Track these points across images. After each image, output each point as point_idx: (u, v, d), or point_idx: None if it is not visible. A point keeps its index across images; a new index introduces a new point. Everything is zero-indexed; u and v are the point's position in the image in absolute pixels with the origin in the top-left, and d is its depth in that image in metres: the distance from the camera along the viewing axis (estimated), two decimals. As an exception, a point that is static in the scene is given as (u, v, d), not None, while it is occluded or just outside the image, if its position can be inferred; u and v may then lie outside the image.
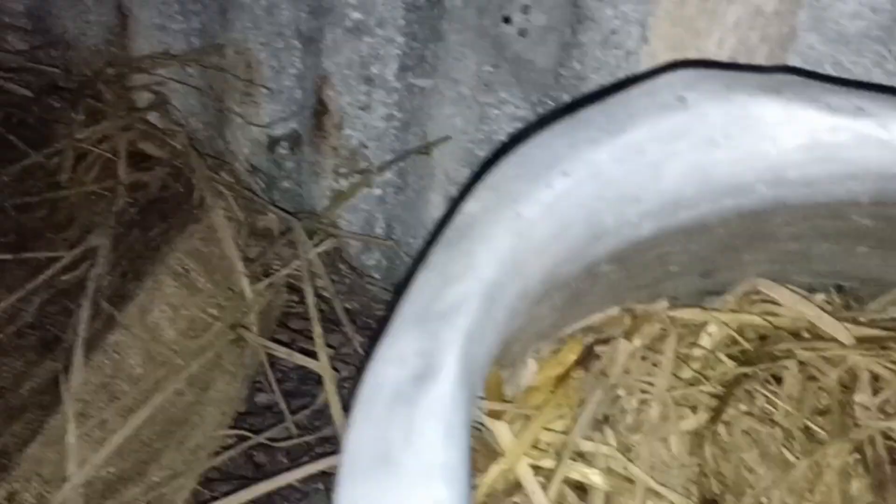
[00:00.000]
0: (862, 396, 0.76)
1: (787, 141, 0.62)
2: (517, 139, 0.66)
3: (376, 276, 1.17)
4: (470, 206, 0.58)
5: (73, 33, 1.28)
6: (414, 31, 1.03)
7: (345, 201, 1.14)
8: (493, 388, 0.78)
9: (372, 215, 1.15)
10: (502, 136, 1.02)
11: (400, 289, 1.10)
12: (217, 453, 0.99)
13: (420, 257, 0.60)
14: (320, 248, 1.13)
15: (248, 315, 1.05)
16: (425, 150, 1.06)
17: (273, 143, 1.19)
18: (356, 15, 1.05)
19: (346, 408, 0.97)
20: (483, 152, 1.04)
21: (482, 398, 0.78)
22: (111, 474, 0.93)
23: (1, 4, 1.35)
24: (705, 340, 0.81)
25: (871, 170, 0.63)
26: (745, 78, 0.64)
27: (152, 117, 1.24)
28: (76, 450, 0.92)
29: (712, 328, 0.81)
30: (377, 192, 1.14)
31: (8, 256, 1.13)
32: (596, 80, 0.92)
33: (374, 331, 1.11)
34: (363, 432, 0.48)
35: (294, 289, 1.12)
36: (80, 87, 1.27)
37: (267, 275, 1.10)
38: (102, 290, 1.06)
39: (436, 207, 1.09)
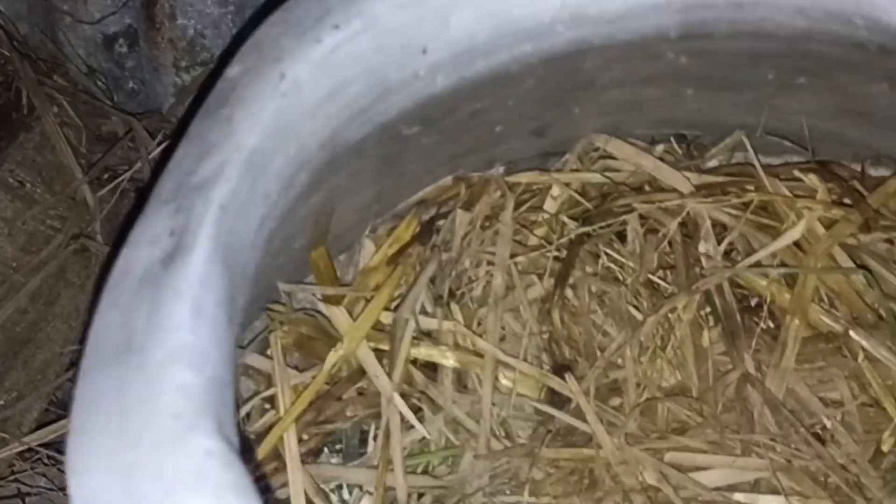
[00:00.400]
0: (704, 245, 0.75)
1: (579, -27, 0.58)
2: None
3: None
4: (232, 69, 0.53)
5: None
6: None
7: (190, 96, 1.08)
8: (324, 273, 0.75)
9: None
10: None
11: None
12: (67, 370, 0.95)
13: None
14: (162, 147, 1.07)
15: (92, 223, 1.00)
16: (260, 33, 1.00)
17: (109, 41, 1.13)
18: None
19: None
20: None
21: (313, 283, 0.75)
22: (-48, 399, 0.90)
23: None
24: (548, 204, 0.79)
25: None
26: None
27: None
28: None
29: (555, 191, 0.78)
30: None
31: None
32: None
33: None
34: (107, 320, 0.45)
35: (143, 191, 1.07)
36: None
37: (112, 180, 1.05)
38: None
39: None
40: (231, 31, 1.04)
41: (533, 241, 0.77)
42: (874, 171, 0.77)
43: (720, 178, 0.76)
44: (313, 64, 0.53)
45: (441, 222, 0.78)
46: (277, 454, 0.69)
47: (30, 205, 1.01)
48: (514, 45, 0.60)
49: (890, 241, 0.74)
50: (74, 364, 0.96)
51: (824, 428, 0.73)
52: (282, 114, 0.51)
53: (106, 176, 1.05)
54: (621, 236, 0.76)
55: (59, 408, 0.93)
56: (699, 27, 0.60)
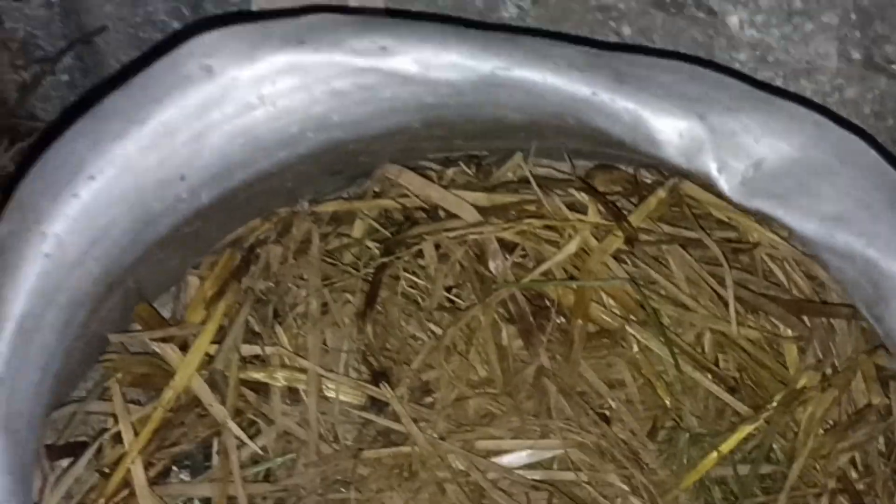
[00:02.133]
0: (493, 263, 0.83)
1: (319, 90, 0.64)
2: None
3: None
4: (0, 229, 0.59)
5: None
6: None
7: (33, 92, 1.12)
8: (149, 320, 0.83)
9: (66, 99, 1.13)
10: (162, 16, 1.00)
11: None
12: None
13: None
14: (21, 144, 1.12)
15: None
16: (87, 39, 1.03)
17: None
18: None
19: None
20: (147, 34, 1.02)
21: (139, 331, 0.83)
22: None
23: None
24: (353, 230, 0.86)
25: (409, 103, 0.65)
26: (271, 30, 0.63)
27: None
28: None
29: (357, 218, 0.86)
30: (65, 77, 1.11)
31: None
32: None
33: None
34: None
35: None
36: None
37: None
38: None
39: (120, 87, 1.08)
40: (64, 31, 1.07)
41: (342, 264, 0.85)
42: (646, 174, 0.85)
43: (506, 199, 0.83)
44: (73, 219, 0.59)
45: (259, 251, 0.86)
46: (127, 482, 0.80)
47: None
48: (270, 154, 0.66)
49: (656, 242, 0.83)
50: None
51: (611, 409, 0.84)
52: (48, 274, 0.57)
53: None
54: (422, 253, 0.84)
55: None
56: (438, 120, 0.66)
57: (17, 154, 1.11)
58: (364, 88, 0.64)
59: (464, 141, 0.75)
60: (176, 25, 1.00)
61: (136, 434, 0.80)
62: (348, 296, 0.85)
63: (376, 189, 0.85)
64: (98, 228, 0.61)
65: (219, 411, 0.81)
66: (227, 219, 0.74)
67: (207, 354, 0.82)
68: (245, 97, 0.63)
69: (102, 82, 1.04)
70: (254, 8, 0.85)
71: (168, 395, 0.81)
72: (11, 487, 0.53)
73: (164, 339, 0.82)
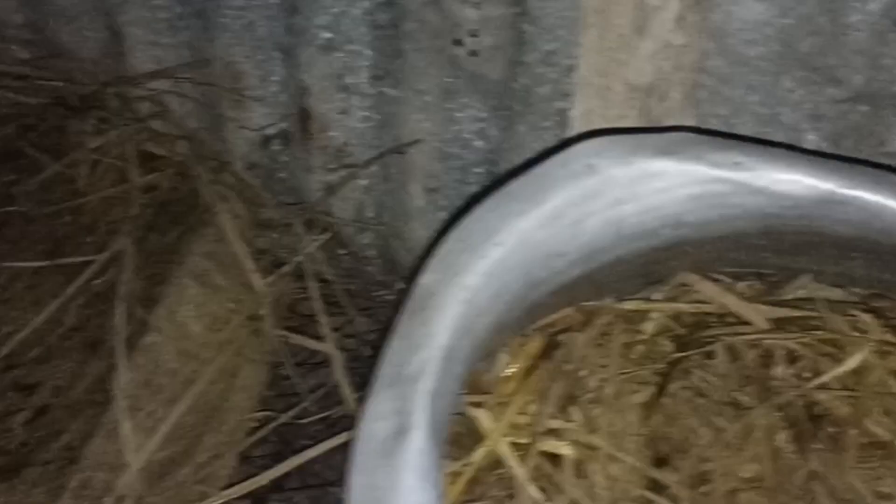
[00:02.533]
0: (777, 370, 0.93)
1: (680, 193, 0.77)
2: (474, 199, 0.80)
3: (370, 256, 1.33)
4: (425, 278, 0.73)
5: (70, 46, 1.40)
6: (380, 48, 1.16)
7: (336, 193, 1.29)
8: (472, 384, 0.95)
9: (361, 202, 1.30)
10: (468, 135, 1.16)
11: (393, 270, 1.26)
12: (250, 433, 1.17)
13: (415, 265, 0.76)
14: (319, 237, 1.28)
15: (262, 306, 1.21)
16: (400, 150, 1.20)
17: (266, 141, 1.33)
18: (326, 35, 1.17)
19: (359, 386, 1.14)
20: (453, 149, 1.18)
21: (465, 393, 0.95)
22: (164, 458, 1.11)
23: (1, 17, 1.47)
24: (648, 327, 0.98)
25: (752, 212, 0.77)
26: (644, 141, 0.77)
27: (155, 124, 1.37)
28: (132, 439, 1.10)
29: (653, 316, 0.97)
30: (364, 182, 1.28)
31: (45, 263, 1.29)
32: (540, 93, 1.05)
33: (374, 310, 1.27)
34: (359, 481, 0.65)
35: (301, 275, 1.27)
36: (86, 97, 1.40)
37: (276, 265, 1.26)
38: (133, 293, 1.22)
39: (416, 197, 1.23)
40: (374, 142, 1.24)
41: (634, 356, 0.96)
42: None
43: (793, 313, 0.93)
44: (483, 275, 0.72)
45: (561, 337, 0.97)
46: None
47: (213, 291, 1.22)
48: (629, 243, 0.79)
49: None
50: (257, 428, 1.17)
51: (877, 517, 0.91)
52: (464, 316, 0.71)
53: (271, 261, 1.26)
54: (710, 356, 0.95)
55: (249, 465, 1.14)
56: (771, 229, 0.78)
57: (311, 243, 1.27)
58: (716, 195, 0.77)
59: (775, 255, 0.86)
60: (479, 144, 1.16)
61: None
62: (637, 385, 0.96)
63: (672, 294, 0.96)
64: (500, 285, 0.74)
65: (520, 474, 0.91)
66: (561, 301, 0.86)
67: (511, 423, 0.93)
68: (619, 193, 0.77)
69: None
70: (572, 133, 1.00)
71: (480, 453, 0.92)
72: (440, 483, 0.65)
73: (478, 404, 0.93)
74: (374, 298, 1.29)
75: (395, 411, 0.67)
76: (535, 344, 0.97)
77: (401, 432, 0.66)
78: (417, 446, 0.65)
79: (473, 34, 1.06)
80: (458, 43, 1.07)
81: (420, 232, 1.26)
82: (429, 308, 0.71)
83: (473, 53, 1.07)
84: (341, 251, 1.32)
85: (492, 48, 1.06)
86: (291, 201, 1.33)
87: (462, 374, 0.72)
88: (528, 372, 0.96)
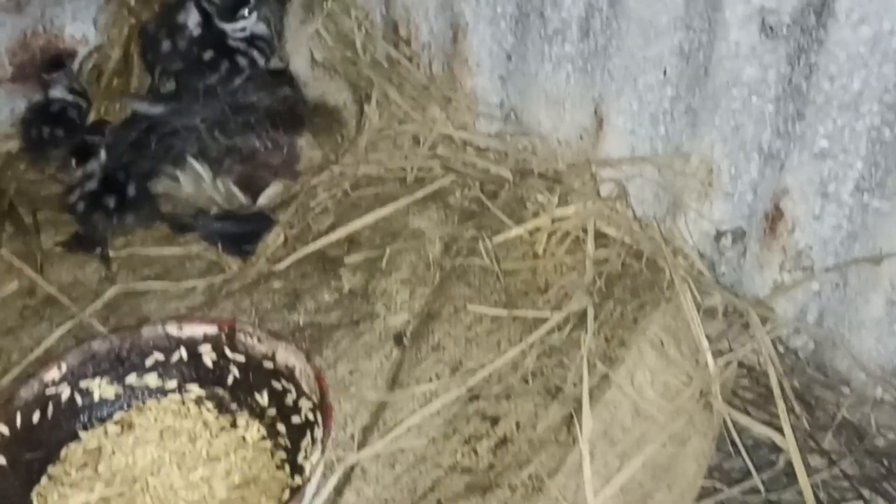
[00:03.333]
0: None
1: None
2: None
3: (802, 357, 1.38)
4: None
5: (547, 127, 1.56)
6: (874, 161, 1.23)
7: (786, 293, 1.36)
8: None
9: (806, 305, 1.36)
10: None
11: (825, 373, 1.31)
12: (697, 500, 1.23)
13: None
14: (764, 331, 1.34)
15: (712, 384, 1.29)
16: (876, 261, 1.25)
17: (719, 235, 1.43)
18: (824, 143, 1.26)
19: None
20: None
21: None
22: (618, 505, 1.20)
23: (479, 95, 1.66)
24: None
25: None
26: None
27: (613, 204, 1.50)
28: (593, 482, 1.19)
29: None
30: (815, 286, 1.35)
31: (504, 312, 1.42)
32: None
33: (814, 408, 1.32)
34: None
35: (741, 364, 1.34)
36: (553, 172, 1.55)
37: (720, 350, 1.34)
38: (593, 350, 1.33)
39: (876, 307, 1.28)
40: (838, 250, 1.30)
41: None
42: None
43: None
44: None
45: None
46: None
47: (667, 361, 1.31)
48: None
49: None
50: (702, 497, 1.24)
51: None
52: None
53: (716, 345, 1.34)
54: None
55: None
56: None
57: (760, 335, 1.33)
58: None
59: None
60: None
61: None
62: None
63: None
64: None
65: None
66: None
67: None
68: None
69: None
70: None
71: None
72: None
73: None
74: (813, 398, 1.33)
75: None
76: None
77: None
78: None
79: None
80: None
81: (870, 342, 1.30)
82: None
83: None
84: (781, 348, 1.38)
85: None
86: (734, 293, 1.41)
87: None
88: None
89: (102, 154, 1.54)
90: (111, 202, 1.51)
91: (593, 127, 1.50)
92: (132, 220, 1.52)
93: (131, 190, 1.52)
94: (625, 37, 1.38)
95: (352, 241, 1.54)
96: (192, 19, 1.61)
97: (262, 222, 1.58)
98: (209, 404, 1.29)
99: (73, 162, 1.54)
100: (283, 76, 1.61)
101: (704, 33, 1.30)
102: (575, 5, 1.42)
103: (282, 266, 1.50)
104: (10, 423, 1.17)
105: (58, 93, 1.68)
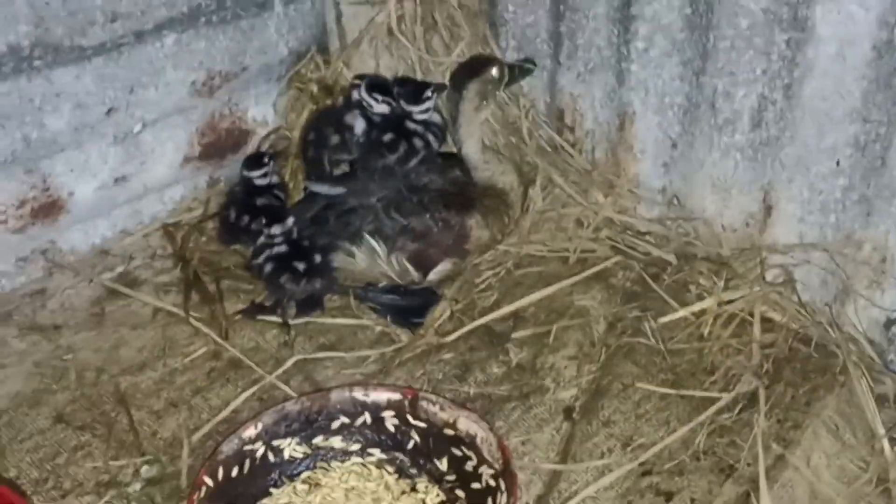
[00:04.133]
0: None
1: None
2: None
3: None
4: None
5: (711, 212, 1.61)
6: None
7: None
8: None
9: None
10: None
11: None
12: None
13: None
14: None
15: (890, 471, 1.29)
16: None
17: (890, 323, 1.44)
18: None
19: None
20: None
21: None
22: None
23: (641, 180, 1.71)
24: None
25: None
26: None
27: (779, 290, 1.53)
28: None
29: None
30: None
31: (673, 391, 1.45)
32: None
33: None
34: None
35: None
36: (717, 256, 1.59)
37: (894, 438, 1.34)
38: (766, 431, 1.34)
39: None
40: None
41: None
42: None
43: None
44: None
45: None
46: None
47: (842, 445, 1.32)
48: None
49: None
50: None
51: None
52: None
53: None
54: None
55: None
56: None
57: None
58: None
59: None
60: None
61: None
62: None
63: None
64: None
65: None
66: None
67: None
68: None
69: None
70: None
71: None
72: None
73: None
74: None
75: None
76: None
77: None
78: None
79: None
80: None
81: None
82: None
83: None
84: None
85: None
86: (900, 379, 1.42)
87: None
88: None
89: (290, 220, 1.63)
90: (301, 266, 1.60)
91: (761, 213, 1.53)
92: (319, 285, 1.61)
93: (317, 257, 1.61)
94: (798, 127, 1.43)
95: (517, 317, 1.60)
96: (358, 125, 1.73)
97: (429, 296, 1.65)
98: (389, 468, 1.34)
99: (264, 222, 1.63)
100: (455, 159, 1.70)
101: (883, 126, 1.33)
102: (747, 97, 1.47)
103: (450, 339, 1.57)
104: (213, 475, 1.24)
105: (262, 182, 1.77)
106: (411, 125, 1.69)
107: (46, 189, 1.67)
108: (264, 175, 1.76)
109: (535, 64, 1.72)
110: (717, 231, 1.61)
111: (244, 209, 1.71)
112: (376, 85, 1.73)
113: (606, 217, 1.72)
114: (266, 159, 1.76)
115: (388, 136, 1.69)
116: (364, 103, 1.72)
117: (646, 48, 1.58)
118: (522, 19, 1.75)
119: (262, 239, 1.64)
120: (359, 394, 1.35)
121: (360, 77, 1.77)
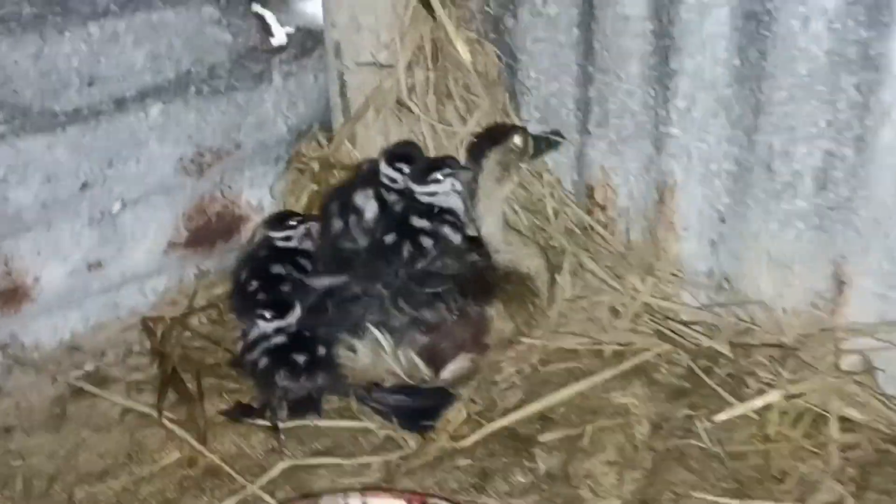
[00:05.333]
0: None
1: None
2: None
3: None
4: None
5: (769, 294, 1.39)
6: None
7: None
8: None
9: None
10: None
11: None
12: None
13: None
14: None
15: None
16: None
17: None
18: None
19: None
20: None
21: None
22: None
23: (685, 261, 1.50)
24: None
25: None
26: None
27: (857, 379, 1.30)
28: None
29: None
30: None
31: (736, 502, 1.21)
32: None
33: None
34: None
35: None
36: (779, 344, 1.37)
37: None
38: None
39: None
40: None
41: None
42: None
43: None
44: None
45: None
46: None
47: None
48: None
49: None
50: None
51: None
52: None
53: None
54: None
55: None
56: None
57: None
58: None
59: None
60: None
61: None
62: None
63: None
64: None
65: None
66: None
67: None
68: None
69: None
70: None
71: None
72: None
73: None
74: None
75: None
76: None
77: None
78: None
79: None
80: None
81: None
82: None
83: None
84: None
85: None
86: None
87: None
88: None
89: (298, 310, 1.43)
90: (301, 359, 1.38)
91: (831, 291, 1.32)
92: (322, 380, 1.39)
93: (321, 350, 1.40)
94: (873, 186, 1.24)
95: (545, 419, 1.38)
96: (369, 209, 1.52)
97: (442, 397, 1.43)
98: None
99: (270, 315, 1.41)
100: (472, 240, 1.50)
101: (978, 181, 1.14)
102: (810, 155, 1.29)
103: (467, 443, 1.34)
104: None
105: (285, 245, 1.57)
106: (417, 222, 1.47)
107: (8, 273, 1.47)
108: (287, 238, 1.56)
109: (563, 137, 1.54)
110: (778, 315, 1.39)
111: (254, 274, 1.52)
112: (399, 155, 1.53)
113: (645, 304, 1.50)
114: (294, 221, 1.56)
115: (389, 238, 1.47)
116: (385, 178, 1.52)
117: (687, 108, 1.40)
118: (546, 86, 1.59)
119: (256, 332, 1.42)
120: (355, 501, 1.13)
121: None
